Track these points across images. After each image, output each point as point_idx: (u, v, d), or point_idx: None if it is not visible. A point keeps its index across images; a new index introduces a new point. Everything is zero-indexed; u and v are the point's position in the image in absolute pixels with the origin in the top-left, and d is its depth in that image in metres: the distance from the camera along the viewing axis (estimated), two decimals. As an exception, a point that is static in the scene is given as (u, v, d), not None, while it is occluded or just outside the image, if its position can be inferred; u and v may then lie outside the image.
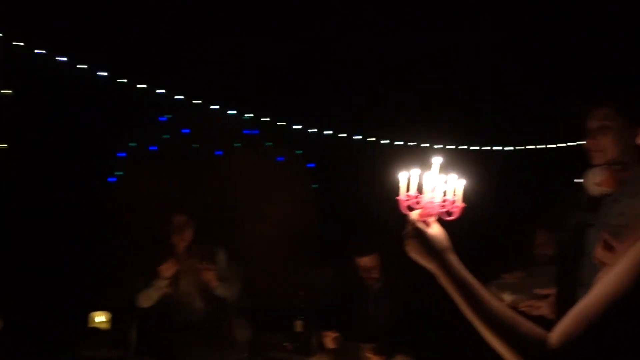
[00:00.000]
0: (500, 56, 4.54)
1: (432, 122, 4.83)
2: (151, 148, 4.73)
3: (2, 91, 3.62)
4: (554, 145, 5.38)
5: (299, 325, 3.81)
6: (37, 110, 3.91)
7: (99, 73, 3.77)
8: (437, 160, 1.23)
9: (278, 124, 4.67)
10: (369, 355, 3.18)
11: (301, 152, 5.09)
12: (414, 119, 4.74)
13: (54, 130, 3.98)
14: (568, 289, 1.85)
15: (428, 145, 4.93)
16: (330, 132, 4.86)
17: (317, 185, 5.20)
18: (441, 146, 4.85)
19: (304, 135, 4.81)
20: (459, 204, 1.23)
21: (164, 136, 4.74)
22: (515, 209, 4.85)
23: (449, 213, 1.23)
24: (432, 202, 1.21)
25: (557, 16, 4.47)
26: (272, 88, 4.43)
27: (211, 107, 4.28)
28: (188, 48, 4.27)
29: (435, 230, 1.19)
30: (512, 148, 5.55)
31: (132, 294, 3.79)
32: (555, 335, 0.99)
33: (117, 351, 3.54)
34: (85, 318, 3.70)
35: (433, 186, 1.22)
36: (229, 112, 4.45)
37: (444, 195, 1.23)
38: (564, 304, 1.81)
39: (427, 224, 1.19)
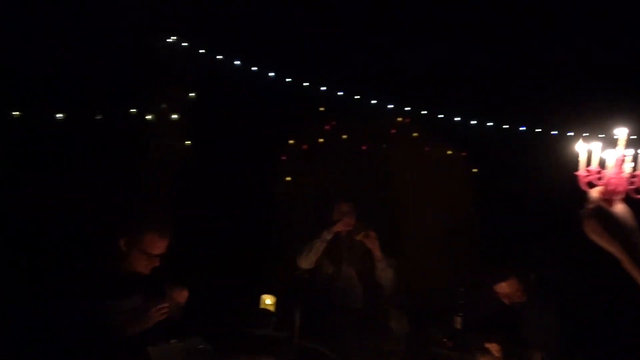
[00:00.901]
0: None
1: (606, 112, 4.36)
2: (316, 142, 4.96)
3: (189, 94, 4.13)
4: None
5: (458, 322, 3.69)
6: (217, 110, 4.36)
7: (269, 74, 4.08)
8: (622, 132, 1.12)
9: (438, 116, 4.59)
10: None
11: (462, 146, 4.95)
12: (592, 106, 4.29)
13: (231, 127, 4.39)
14: None
15: (604, 135, 4.44)
16: (492, 123, 4.64)
17: (477, 179, 5.02)
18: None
19: (465, 128, 4.66)
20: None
21: (328, 130, 4.93)
22: None
23: (638, 190, 1.11)
24: (618, 178, 1.10)
25: None
26: (431, 81, 4.38)
27: (371, 101, 4.37)
28: (347, 46, 4.42)
29: (620, 209, 1.08)
30: None
31: (297, 280, 4.07)
32: None
33: (282, 332, 3.75)
34: (257, 300, 3.98)
35: (619, 160, 1.11)
36: (388, 106, 4.50)
37: (633, 170, 1.11)
38: None
39: (609, 202, 1.08)
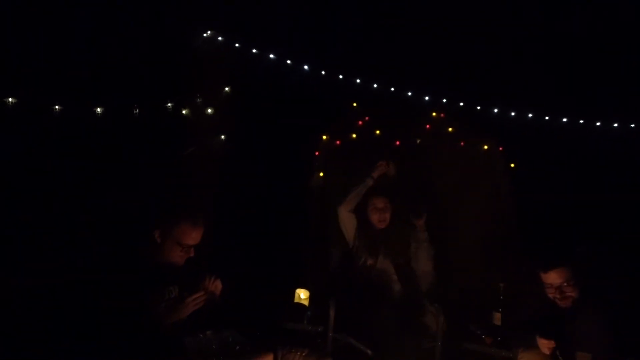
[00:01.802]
0: None
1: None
2: (350, 137, 4.92)
3: (224, 89, 4.16)
4: None
5: (497, 318, 3.60)
6: (252, 105, 4.37)
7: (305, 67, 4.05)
8: None
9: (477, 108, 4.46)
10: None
11: (499, 139, 4.82)
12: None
13: (267, 122, 4.40)
14: None
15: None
16: (531, 115, 4.47)
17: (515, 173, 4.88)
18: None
19: (502, 120, 4.52)
20: None
21: (361, 125, 4.87)
22: None
23: None
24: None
25: None
26: (468, 72, 4.28)
27: (408, 93, 4.30)
28: (381, 38, 4.36)
29: None
30: None
31: (332, 274, 4.06)
32: None
33: (316, 327, 3.74)
34: (292, 294, 3.98)
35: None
36: (426, 97, 4.41)
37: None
38: None
39: None
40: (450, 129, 5.12)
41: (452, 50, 4.29)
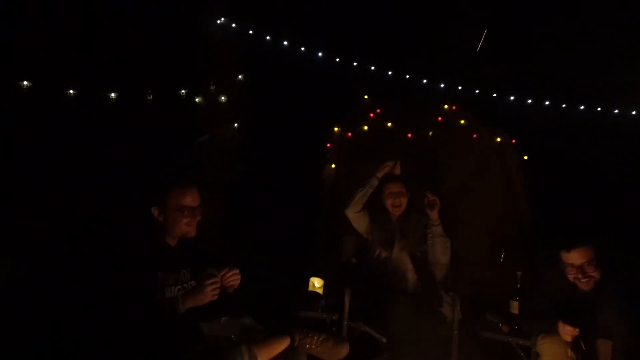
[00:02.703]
0: None
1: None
2: (360, 129, 4.89)
3: (237, 77, 4.13)
4: None
5: (515, 307, 3.56)
6: (265, 91, 4.34)
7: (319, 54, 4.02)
8: None
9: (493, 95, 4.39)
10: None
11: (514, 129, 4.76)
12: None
13: (280, 107, 4.37)
14: None
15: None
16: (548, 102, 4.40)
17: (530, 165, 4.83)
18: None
19: (518, 109, 4.45)
20: None
21: (372, 117, 4.84)
22: None
23: None
24: None
25: None
26: (483, 59, 4.23)
27: (423, 81, 4.26)
28: (396, 26, 4.31)
29: None
30: None
31: (346, 264, 4.03)
32: None
33: (330, 315, 3.71)
34: (306, 282, 3.95)
35: None
36: (441, 85, 4.35)
37: None
38: None
39: None
40: (462, 122, 5.07)
41: (467, 37, 4.23)
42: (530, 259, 3.95)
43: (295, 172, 4.62)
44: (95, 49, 3.63)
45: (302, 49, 4.15)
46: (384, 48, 4.27)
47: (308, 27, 4.14)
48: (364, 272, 3.87)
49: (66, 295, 2.88)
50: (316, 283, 3.96)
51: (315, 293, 3.91)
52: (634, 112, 4.46)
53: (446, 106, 5.04)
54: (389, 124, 5.02)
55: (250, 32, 4.09)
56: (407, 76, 4.37)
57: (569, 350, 2.86)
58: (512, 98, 4.47)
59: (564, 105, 4.45)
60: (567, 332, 2.85)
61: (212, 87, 4.20)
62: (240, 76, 4.29)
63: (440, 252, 3.82)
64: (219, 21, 4.31)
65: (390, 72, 4.29)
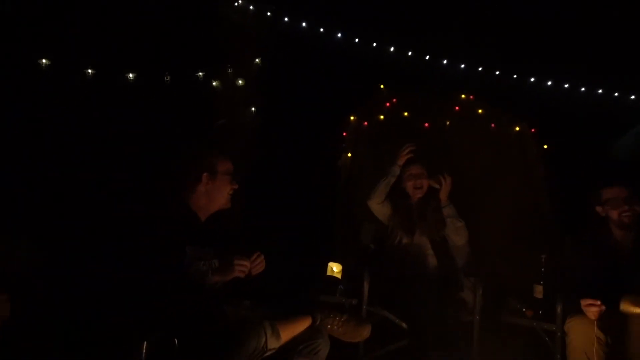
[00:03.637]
0: None
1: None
2: (376, 118, 4.82)
3: (255, 60, 4.08)
4: None
5: (539, 291, 3.49)
6: (283, 74, 4.28)
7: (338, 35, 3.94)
8: None
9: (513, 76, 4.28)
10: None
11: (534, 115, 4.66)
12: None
13: (298, 92, 4.31)
14: None
15: None
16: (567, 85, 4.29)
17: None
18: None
19: (538, 91, 4.34)
20: None
21: (388, 106, 4.77)
22: None
23: None
24: None
25: None
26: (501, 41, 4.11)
27: (443, 61, 4.16)
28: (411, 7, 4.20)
29: None
30: None
31: (365, 249, 3.99)
32: None
33: (350, 299, 3.67)
34: (324, 267, 3.91)
35: None
36: (462, 65, 4.26)
37: None
38: None
39: None
40: (480, 111, 5.00)
41: (489, 18, 4.14)
42: (552, 244, 3.90)
43: (313, 158, 4.57)
44: (113, 30, 3.60)
45: (321, 29, 4.08)
46: (404, 27, 4.18)
47: (326, 7, 4.07)
48: (384, 258, 3.83)
49: (96, 264, 2.85)
50: (335, 268, 3.92)
51: (333, 278, 3.87)
52: None
53: (463, 95, 4.98)
54: (405, 114, 4.96)
55: (269, 13, 4.05)
56: (427, 57, 4.29)
57: (597, 330, 2.82)
58: (532, 79, 4.38)
59: (582, 89, 4.35)
60: (590, 309, 2.81)
61: (229, 70, 4.16)
62: (257, 59, 4.24)
63: (452, 232, 3.79)
64: (236, 3, 4.26)
65: (410, 53, 4.21)
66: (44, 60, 3.21)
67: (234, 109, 4.20)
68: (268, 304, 2.81)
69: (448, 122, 4.98)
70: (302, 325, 2.62)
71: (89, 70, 3.37)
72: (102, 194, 3.26)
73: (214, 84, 4.14)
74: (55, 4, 3.48)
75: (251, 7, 4.28)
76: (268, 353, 2.39)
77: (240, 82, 4.24)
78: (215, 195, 2.65)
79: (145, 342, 2.29)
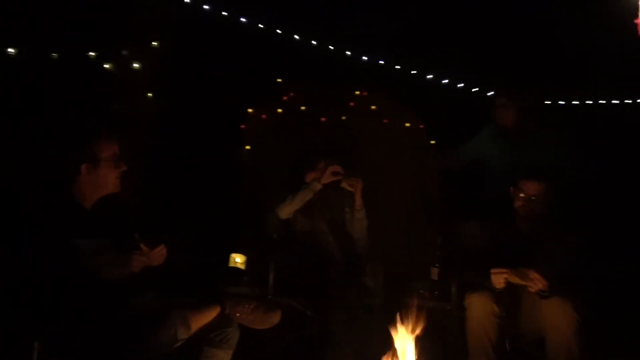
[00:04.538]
0: None
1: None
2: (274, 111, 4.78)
3: (152, 43, 3.85)
4: None
5: (435, 273, 3.69)
6: (184, 60, 4.09)
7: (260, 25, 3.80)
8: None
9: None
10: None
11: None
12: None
13: (198, 79, 4.14)
14: None
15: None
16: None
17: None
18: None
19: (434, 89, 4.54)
20: None
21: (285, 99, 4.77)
22: None
23: None
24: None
25: None
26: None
27: (347, 53, 4.21)
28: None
29: None
30: None
31: (268, 239, 3.95)
32: None
33: (255, 289, 3.63)
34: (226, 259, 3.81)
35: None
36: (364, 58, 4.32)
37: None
38: None
39: None
40: (373, 107, 5.17)
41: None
42: (446, 228, 4.15)
43: (215, 149, 4.44)
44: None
45: (224, 13, 3.92)
46: (313, 15, 4.16)
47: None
48: (287, 246, 3.83)
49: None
50: (238, 259, 3.86)
51: (236, 269, 3.81)
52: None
53: (357, 92, 5.11)
54: (303, 108, 5.00)
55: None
56: (331, 47, 4.33)
57: (494, 305, 3.04)
58: (429, 76, 4.60)
59: (473, 90, 4.66)
60: (497, 276, 3.02)
61: (124, 53, 3.90)
62: (154, 42, 4.01)
63: (358, 232, 3.87)
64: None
65: (314, 42, 4.21)
66: None
67: (129, 94, 3.94)
68: (176, 294, 2.72)
69: (344, 117, 5.08)
70: (211, 315, 2.56)
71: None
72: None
73: (106, 66, 3.86)
74: None
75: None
76: (178, 343, 2.33)
77: (135, 65, 3.99)
78: (100, 182, 2.49)
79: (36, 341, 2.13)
